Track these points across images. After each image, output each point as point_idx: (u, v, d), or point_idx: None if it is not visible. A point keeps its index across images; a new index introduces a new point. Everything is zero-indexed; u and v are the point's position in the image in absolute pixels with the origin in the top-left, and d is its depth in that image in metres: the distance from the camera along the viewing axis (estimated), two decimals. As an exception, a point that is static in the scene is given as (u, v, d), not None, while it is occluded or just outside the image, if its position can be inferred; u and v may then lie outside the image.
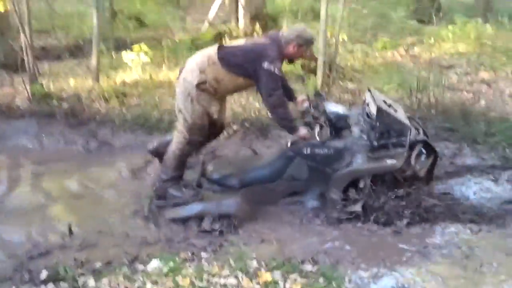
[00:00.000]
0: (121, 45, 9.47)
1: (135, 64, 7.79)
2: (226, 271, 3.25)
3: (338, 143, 4.38)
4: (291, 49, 4.25)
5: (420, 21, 13.56)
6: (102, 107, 6.56)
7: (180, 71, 4.37)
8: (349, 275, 3.27)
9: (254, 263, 3.35)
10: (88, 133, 6.12)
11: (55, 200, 4.57)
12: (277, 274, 3.22)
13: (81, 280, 3.20)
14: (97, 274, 3.27)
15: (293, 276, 3.22)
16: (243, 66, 4.15)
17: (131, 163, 5.42)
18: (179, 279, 3.15)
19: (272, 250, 3.68)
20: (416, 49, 11.10)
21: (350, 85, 7.81)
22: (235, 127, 6.10)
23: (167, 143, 4.56)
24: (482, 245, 3.71)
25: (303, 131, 4.31)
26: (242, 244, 3.76)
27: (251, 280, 3.16)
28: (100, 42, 7.32)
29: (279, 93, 4.15)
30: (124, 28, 11.47)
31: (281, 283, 3.13)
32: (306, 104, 4.58)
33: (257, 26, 10.10)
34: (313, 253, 3.58)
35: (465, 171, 5.19)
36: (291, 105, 4.56)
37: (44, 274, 3.27)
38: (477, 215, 4.34)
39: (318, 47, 6.88)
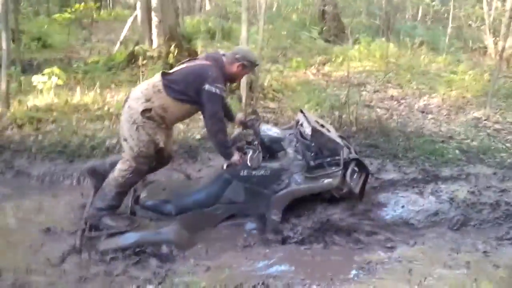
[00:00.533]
0: (27, 68, 9.06)
1: (46, 88, 7.42)
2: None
3: (274, 165, 4.41)
4: (234, 69, 4.22)
5: (326, 41, 14.12)
6: (15, 134, 6.17)
7: (125, 100, 4.21)
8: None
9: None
10: (3, 163, 5.69)
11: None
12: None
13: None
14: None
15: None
16: (186, 92, 4.05)
17: (53, 193, 5.13)
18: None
19: (219, 277, 3.59)
20: (327, 68, 11.52)
21: (272, 105, 7.93)
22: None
23: (105, 166, 4.39)
24: (420, 258, 3.87)
25: (235, 156, 4.29)
26: (187, 273, 3.64)
27: (205, 310, 3.06)
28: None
29: (220, 116, 4.09)
30: (27, 50, 10.97)
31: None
32: (237, 130, 4.58)
33: (172, 47, 9.94)
34: (262, 277, 3.55)
35: (390, 186, 5.40)
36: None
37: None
38: (408, 228, 4.52)
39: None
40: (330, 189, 4.33)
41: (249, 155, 4.30)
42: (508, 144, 6.47)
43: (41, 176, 5.64)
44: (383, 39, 13.14)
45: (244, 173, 4.38)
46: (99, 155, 5.86)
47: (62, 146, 5.95)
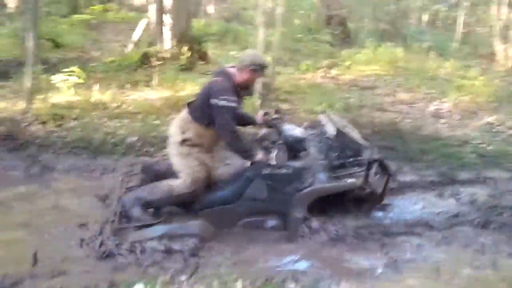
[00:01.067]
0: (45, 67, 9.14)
1: (67, 86, 7.53)
2: (213, 295, 3.20)
3: (296, 164, 4.47)
4: (245, 75, 4.28)
5: (332, 45, 14.22)
6: (39, 130, 6.27)
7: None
8: (331, 292, 3.33)
9: (239, 285, 3.32)
10: (29, 158, 5.79)
11: (9, 228, 4.31)
12: (261, 294, 3.22)
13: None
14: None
15: (278, 296, 3.23)
16: (204, 114, 4.24)
17: (80, 187, 5.22)
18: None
19: (249, 271, 3.66)
20: (334, 72, 11.60)
21: (284, 106, 8.01)
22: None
23: (161, 166, 4.73)
24: (446, 259, 3.93)
25: (260, 155, 4.37)
26: (218, 265, 3.71)
27: (241, 301, 3.13)
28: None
29: (229, 126, 4.14)
30: (41, 49, 11.04)
31: (271, 302, 3.13)
32: (264, 130, 4.65)
33: (185, 48, 10.06)
34: (290, 272, 3.61)
35: (408, 188, 5.49)
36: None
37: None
38: (429, 229, 4.59)
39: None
40: (353, 188, 4.38)
41: (274, 154, 4.37)
42: (524, 150, 6.55)
43: (66, 170, 5.72)
44: (390, 43, 13.25)
45: (267, 171, 4.44)
46: (121, 152, 5.95)
47: (86, 142, 6.09)
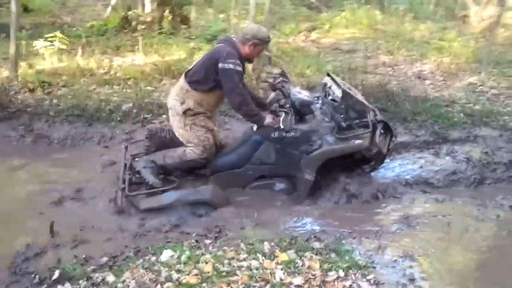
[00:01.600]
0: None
1: (50, 53, 7.36)
2: (243, 255, 3.30)
3: (303, 126, 4.54)
4: (247, 49, 4.29)
5: (310, 8, 14.18)
6: (29, 98, 6.15)
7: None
8: (355, 249, 3.47)
9: (267, 245, 3.42)
10: (23, 127, 5.71)
11: (19, 200, 4.31)
12: (292, 253, 3.33)
13: (96, 277, 3.07)
14: (115, 269, 3.15)
15: (307, 253, 3.35)
16: (208, 78, 4.23)
17: (77, 155, 5.20)
18: (201, 265, 3.13)
19: (271, 232, 3.76)
20: (314, 35, 11.64)
21: (274, 70, 8.02)
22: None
23: (165, 133, 4.66)
24: (452, 213, 4.12)
25: (268, 119, 4.41)
26: (239, 228, 3.79)
27: (271, 260, 3.23)
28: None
29: (238, 90, 4.11)
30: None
31: (299, 261, 3.25)
32: (272, 94, 4.69)
33: (167, 12, 9.91)
34: (311, 231, 3.73)
35: (403, 148, 5.65)
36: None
37: (56, 274, 3.09)
38: (429, 186, 4.78)
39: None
40: (361, 149, 4.49)
41: (282, 117, 4.41)
42: (508, 108, 6.79)
43: (61, 139, 5.67)
44: (369, 6, 13.32)
45: (275, 134, 4.49)
46: (117, 119, 5.91)
47: (80, 110, 5.98)
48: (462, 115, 6.42)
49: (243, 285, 2.99)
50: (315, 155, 4.43)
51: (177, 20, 10.38)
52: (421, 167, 5.13)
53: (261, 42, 4.29)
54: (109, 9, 10.63)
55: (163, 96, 6.63)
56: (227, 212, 4.19)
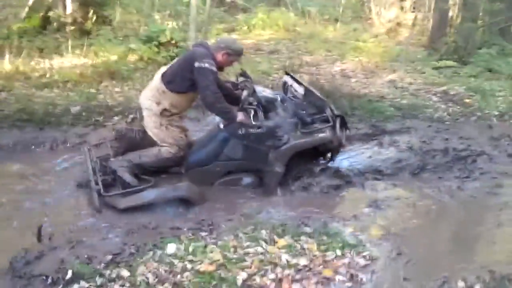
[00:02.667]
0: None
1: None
2: (245, 243, 3.52)
3: (269, 123, 4.80)
4: (220, 57, 4.50)
5: (225, 10, 14.47)
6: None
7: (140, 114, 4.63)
8: (342, 231, 3.81)
9: (264, 232, 3.67)
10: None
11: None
12: (289, 239, 3.60)
13: (109, 273, 3.15)
14: (125, 265, 3.24)
15: (302, 237, 3.64)
16: (185, 79, 4.39)
17: (33, 160, 5.16)
18: (211, 255, 3.31)
19: (259, 221, 3.98)
20: (235, 36, 11.94)
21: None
22: (131, 115, 6.09)
23: (134, 133, 4.74)
24: (412, 196, 4.60)
25: (240, 116, 4.61)
26: (228, 220, 3.99)
27: (272, 246, 3.49)
28: None
29: (213, 88, 4.31)
30: None
31: (297, 245, 3.53)
32: (245, 93, 4.89)
33: (90, 13, 9.73)
34: (297, 218, 4.02)
35: (347, 140, 6.07)
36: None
37: (69, 274, 3.14)
38: (379, 174, 5.25)
39: (189, 35, 7.19)
40: (325, 142, 4.84)
41: (251, 114, 4.66)
42: (430, 102, 7.53)
43: (12, 145, 5.49)
44: (281, 8, 13.86)
45: (242, 131, 4.71)
46: (68, 123, 5.84)
47: (28, 114, 5.82)
48: (392, 109, 7.04)
49: (256, 269, 3.21)
50: (285, 149, 4.69)
51: (99, 21, 10.20)
52: (369, 157, 5.60)
53: (234, 53, 4.54)
54: (26, 9, 10.17)
55: (108, 98, 6.61)
56: (206, 207, 4.35)
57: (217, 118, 4.79)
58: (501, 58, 9.59)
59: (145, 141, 4.71)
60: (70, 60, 8.11)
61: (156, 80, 4.52)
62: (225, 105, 4.49)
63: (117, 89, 6.95)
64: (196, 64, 4.28)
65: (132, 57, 8.15)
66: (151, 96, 4.48)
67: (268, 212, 4.21)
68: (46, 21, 9.77)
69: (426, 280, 3.22)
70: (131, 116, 6.10)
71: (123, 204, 4.29)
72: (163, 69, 4.62)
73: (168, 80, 4.42)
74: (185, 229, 3.90)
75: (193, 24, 7.17)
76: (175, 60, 4.68)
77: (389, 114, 6.82)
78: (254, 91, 4.82)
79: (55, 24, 9.72)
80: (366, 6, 15.09)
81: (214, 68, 4.36)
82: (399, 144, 5.81)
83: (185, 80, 4.40)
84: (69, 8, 9.92)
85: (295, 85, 5.02)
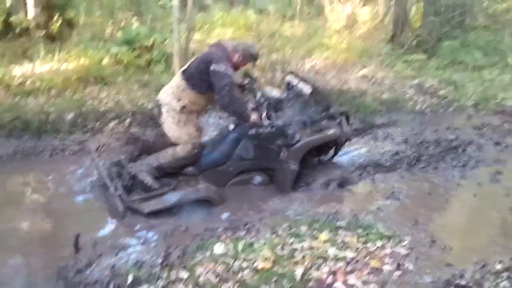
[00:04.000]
0: None
1: None
2: (289, 239, 3.62)
3: (278, 122, 4.91)
4: (235, 58, 4.59)
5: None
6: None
7: (157, 106, 4.63)
8: (374, 223, 3.97)
9: (303, 229, 3.78)
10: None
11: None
12: (327, 233, 3.74)
13: (166, 276, 3.18)
14: (179, 267, 3.28)
15: (340, 231, 3.78)
16: (202, 81, 4.47)
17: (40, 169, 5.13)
18: (262, 253, 3.40)
19: (282, 218, 4.09)
20: (198, 36, 11.89)
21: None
22: (127, 120, 6.05)
23: (148, 137, 4.80)
24: (423, 186, 4.82)
25: (254, 116, 4.70)
26: (259, 219, 4.08)
27: (316, 241, 3.61)
28: None
29: (227, 89, 4.37)
30: None
31: (338, 238, 3.67)
32: (258, 94, 4.93)
33: (53, 16, 9.47)
34: (325, 213, 4.15)
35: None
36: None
37: (130, 278, 3.15)
38: (379, 167, 5.48)
39: (173, 36, 7.19)
40: (335, 138, 5.00)
41: (264, 114, 4.76)
42: (408, 95, 7.86)
43: (11, 154, 5.36)
44: (242, 6, 13.94)
45: (252, 131, 4.83)
46: (65, 130, 5.75)
47: (23, 124, 5.69)
48: (375, 104, 7.29)
49: (310, 264, 3.32)
50: (298, 147, 4.82)
51: (63, 24, 9.94)
52: (368, 151, 5.81)
53: (250, 57, 4.64)
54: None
55: (97, 103, 6.51)
56: (231, 208, 4.43)
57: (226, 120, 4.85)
58: (464, 49, 10.08)
59: (158, 144, 4.74)
60: (43, 66, 7.86)
61: (177, 77, 4.59)
62: (240, 107, 4.57)
63: (102, 95, 6.82)
64: (212, 67, 4.35)
65: (110, 61, 8.01)
66: (171, 93, 4.53)
67: (294, 209, 4.32)
68: (7, 26, 9.41)
69: (467, 265, 3.41)
70: (128, 120, 6.04)
71: (147, 208, 4.30)
72: (184, 67, 4.67)
73: (188, 79, 4.49)
74: (219, 229, 3.95)
75: (176, 24, 7.09)
76: (193, 59, 4.71)
77: (373, 108, 7.07)
78: (262, 91, 4.91)
79: (17, 29, 9.37)
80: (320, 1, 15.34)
81: (230, 71, 4.43)
82: (394, 137, 6.04)
83: (203, 82, 4.46)
84: (32, 12, 9.60)
85: (301, 84, 5.15)
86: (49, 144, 5.57)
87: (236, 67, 4.67)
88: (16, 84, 6.93)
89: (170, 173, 4.65)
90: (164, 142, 4.69)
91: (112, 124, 5.95)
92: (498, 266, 3.40)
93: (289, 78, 5.41)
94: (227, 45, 4.65)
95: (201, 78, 4.46)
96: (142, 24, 9.32)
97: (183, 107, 4.51)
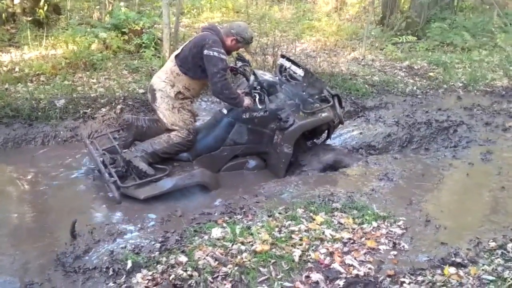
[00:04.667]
0: None
1: None
2: (286, 222, 3.65)
3: (272, 106, 4.92)
4: (229, 42, 4.57)
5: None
6: None
7: (151, 91, 4.62)
8: (368, 204, 4.00)
9: (300, 211, 3.81)
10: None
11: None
12: (323, 215, 3.77)
13: (165, 261, 3.19)
14: (177, 251, 3.30)
15: (336, 213, 3.82)
16: (196, 67, 4.45)
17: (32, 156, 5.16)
18: (259, 235, 3.43)
19: (281, 202, 4.11)
20: (186, 20, 11.86)
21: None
22: (119, 106, 6.02)
23: (141, 122, 4.72)
24: (416, 167, 4.87)
25: (247, 101, 4.71)
26: (255, 202, 4.10)
27: (312, 223, 3.65)
28: None
29: (221, 76, 4.31)
30: None
31: (334, 220, 3.71)
32: (252, 79, 4.89)
33: (40, 1, 9.35)
34: (321, 196, 4.17)
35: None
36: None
37: (129, 264, 3.16)
38: (372, 149, 5.52)
39: (163, 21, 7.13)
40: (328, 121, 5.02)
41: (257, 98, 4.76)
42: (398, 77, 7.89)
43: (2, 142, 5.31)
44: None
45: (246, 115, 4.83)
46: (57, 117, 5.70)
47: (13, 110, 5.62)
48: (366, 86, 7.31)
49: (308, 245, 3.36)
50: (292, 130, 4.84)
51: (49, 9, 9.82)
52: (360, 133, 5.84)
53: (244, 41, 4.60)
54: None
55: (87, 89, 6.47)
56: (226, 192, 4.45)
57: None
58: (452, 31, 10.12)
59: (152, 130, 4.73)
60: (31, 52, 7.79)
61: (170, 62, 4.56)
62: (232, 91, 4.56)
63: (93, 80, 6.78)
64: (205, 52, 4.34)
65: (98, 47, 7.95)
66: (165, 78, 4.51)
67: (290, 192, 4.34)
68: (-4, 14, 9.30)
69: (461, 243, 3.47)
70: (119, 106, 6.01)
71: (143, 194, 4.31)
72: (176, 52, 4.61)
73: (181, 64, 4.47)
74: (215, 213, 3.96)
75: (166, 8, 7.04)
76: (186, 42, 4.66)
77: (364, 91, 7.10)
78: (255, 75, 4.90)
79: (3, 15, 9.25)
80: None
81: (223, 56, 4.41)
82: (385, 120, 6.07)
83: (196, 67, 4.45)
84: (17, -3, 9.49)
85: (294, 68, 5.15)
86: (41, 131, 5.51)
87: (229, 51, 4.66)
88: (4, 71, 6.85)
89: (164, 159, 4.63)
90: (158, 128, 4.69)
91: (103, 110, 5.88)
92: (492, 244, 3.45)
93: (281, 61, 5.40)
94: (220, 28, 4.62)
95: (194, 62, 4.44)
96: (129, 8, 9.19)
97: (178, 93, 4.50)
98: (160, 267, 3.15)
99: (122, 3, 9.26)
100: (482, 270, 3.10)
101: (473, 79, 7.74)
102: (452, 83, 7.65)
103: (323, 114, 4.99)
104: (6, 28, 9.26)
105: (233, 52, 4.77)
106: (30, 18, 8.97)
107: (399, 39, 9.58)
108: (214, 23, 4.73)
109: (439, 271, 3.08)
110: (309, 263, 3.17)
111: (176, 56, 4.54)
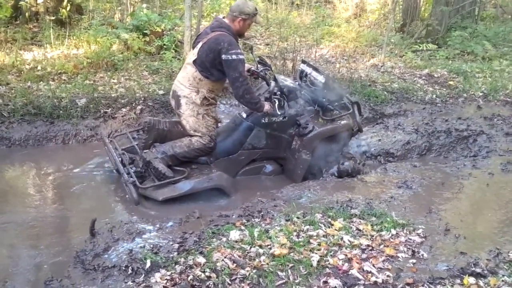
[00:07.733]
0: None
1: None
2: (304, 227, 3.65)
3: (291, 112, 4.92)
4: (237, 25, 4.51)
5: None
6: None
7: (175, 98, 4.63)
8: (387, 212, 3.99)
9: (318, 216, 3.81)
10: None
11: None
12: (342, 221, 3.77)
13: (183, 261, 3.20)
14: (195, 253, 3.31)
15: (354, 219, 3.81)
16: (216, 70, 4.47)
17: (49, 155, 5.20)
18: (277, 239, 3.43)
19: (309, 206, 4.12)
20: (205, 23, 11.85)
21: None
22: (139, 107, 6.06)
23: (163, 125, 4.69)
24: (435, 175, 4.84)
25: (267, 106, 4.71)
26: (272, 206, 4.11)
27: (330, 228, 3.64)
28: None
29: (242, 79, 4.33)
30: None
31: (352, 226, 3.70)
32: (273, 84, 4.89)
33: (63, 1, 9.46)
34: (339, 202, 4.17)
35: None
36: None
37: (148, 263, 3.17)
38: (390, 156, 5.50)
39: (185, 24, 7.18)
40: (348, 128, 5.02)
41: (276, 103, 4.77)
42: (418, 85, 7.85)
43: (23, 140, 5.39)
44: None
45: (265, 120, 4.84)
46: (78, 116, 5.76)
47: (36, 108, 5.69)
48: (386, 93, 7.29)
49: (326, 250, 3.35)
50: (311, 136, 4.85)
51: (72, 9, 9.94)
52: (379, 140, 5.82)
53: (249, 16, 4.51)
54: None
55: (108, 89, 6.53)
56: (244, 196, 4.47)
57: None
58: (473, 40, 10.06)
59: (173, 133, 4.74)
60: (53, 51, 7.88)
61: (191, 68, 4.53)
62: (253, 96, 4.58)
63: (114, 80, 6.84)
64: (224, 57, 4.33)
65: (119, 47, 8.02)
66: (189, 85, 4.52)
67: (308, 197, 4.34)
68: (17, 11, 9.42)
69: (481, 253, 3.44)
70: (139, 107, 6.05)
71: (161, 195, 4.33)
72: (192, 57, 4.60)
73: (202, 69, 4.47)
74: (233, 216, 3.97)
75: (188, 11, 7.08)
76: (199, 46, 4.51)
77: (384, 98, 7.08)
78: (276, 80, 4.91)
79: (27, 14, 9.38)
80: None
81: (242, 56, 4.41)
82: (404, 127, 6.05)
83: (216, 70, 4.46)
84: (41, -4, 9.61)
85: (314, 74, 5.15)
86: (62, 129, 5.57)
87: (241, 33, 4.62)
88: (27, 69, 6.94)
89: (183, 162, 4.65)
90: (179, 131, 4.71)
91: (124, 110, 5.94)
92: (512, 255, 3.42)
93: (302, 67, 5.41)
94: (225, 20, 4.54)
95: (213, 66, 4.44)
96: (150, 10, 9.27)
97: (204, 99, 4.52)
98: (178, 268, 3.16)
99: (144, 5, 9.32)
100: (502, 281, 3.07)
101: (493, 89, 7.68)
102: (472, 92, 7.61)
103: (343, 122, 5.01)
104: (29, 27, 9.35)
105: (244, 32, 4.66)
106: (53, 18, 9.03)
107: (419, 46, 9.54)
108: (219, 16, 4.66)
109: (458, 281, 3.06)
110: (327, 269, 3.16)
111: (194, 62, 4.52)
